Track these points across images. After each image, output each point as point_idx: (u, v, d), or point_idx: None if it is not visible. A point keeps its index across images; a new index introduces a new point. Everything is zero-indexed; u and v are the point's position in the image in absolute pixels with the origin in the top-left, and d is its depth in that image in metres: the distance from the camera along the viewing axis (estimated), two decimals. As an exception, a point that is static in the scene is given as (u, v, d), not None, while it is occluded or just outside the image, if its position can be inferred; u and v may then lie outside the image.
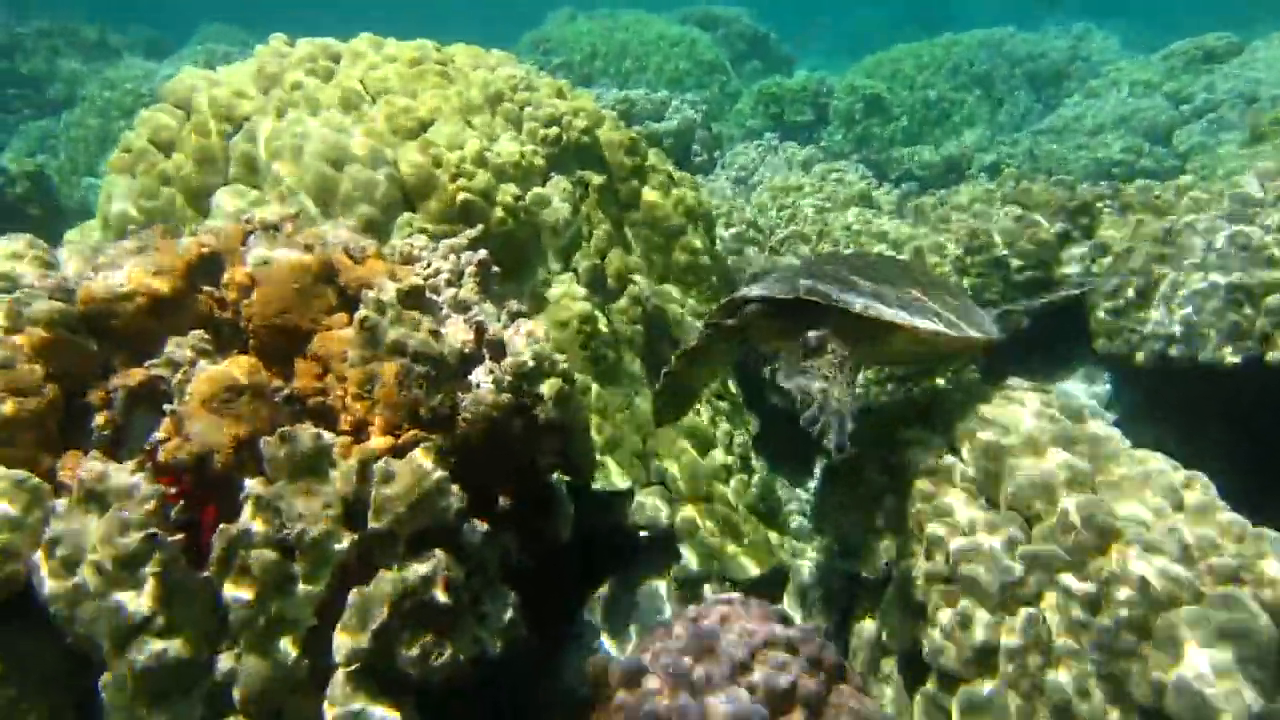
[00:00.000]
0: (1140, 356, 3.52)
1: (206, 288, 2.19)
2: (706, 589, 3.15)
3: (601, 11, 11.46)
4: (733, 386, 3.89)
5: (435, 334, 2.17)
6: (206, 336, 2.05)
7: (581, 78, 10.04)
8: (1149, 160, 7.21)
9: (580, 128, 3.59)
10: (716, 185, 5.77)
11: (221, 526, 1.84)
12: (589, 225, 3.53)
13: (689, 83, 9.85)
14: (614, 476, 3.09)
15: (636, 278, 3.60)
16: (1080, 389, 4.05)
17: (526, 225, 3.26)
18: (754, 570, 3.15)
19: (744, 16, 12.11)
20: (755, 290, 2.48)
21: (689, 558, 3.14)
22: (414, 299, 2.20)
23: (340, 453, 2.01)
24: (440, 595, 1.97)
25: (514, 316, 2.49)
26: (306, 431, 1.95)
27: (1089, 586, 2.03)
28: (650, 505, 3.17)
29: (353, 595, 1.91)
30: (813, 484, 3.96)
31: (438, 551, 2.01)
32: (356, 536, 1.95)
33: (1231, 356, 3.04)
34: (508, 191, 3.18)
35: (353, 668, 1.91)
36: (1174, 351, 3.34)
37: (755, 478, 3.48)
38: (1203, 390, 3.43)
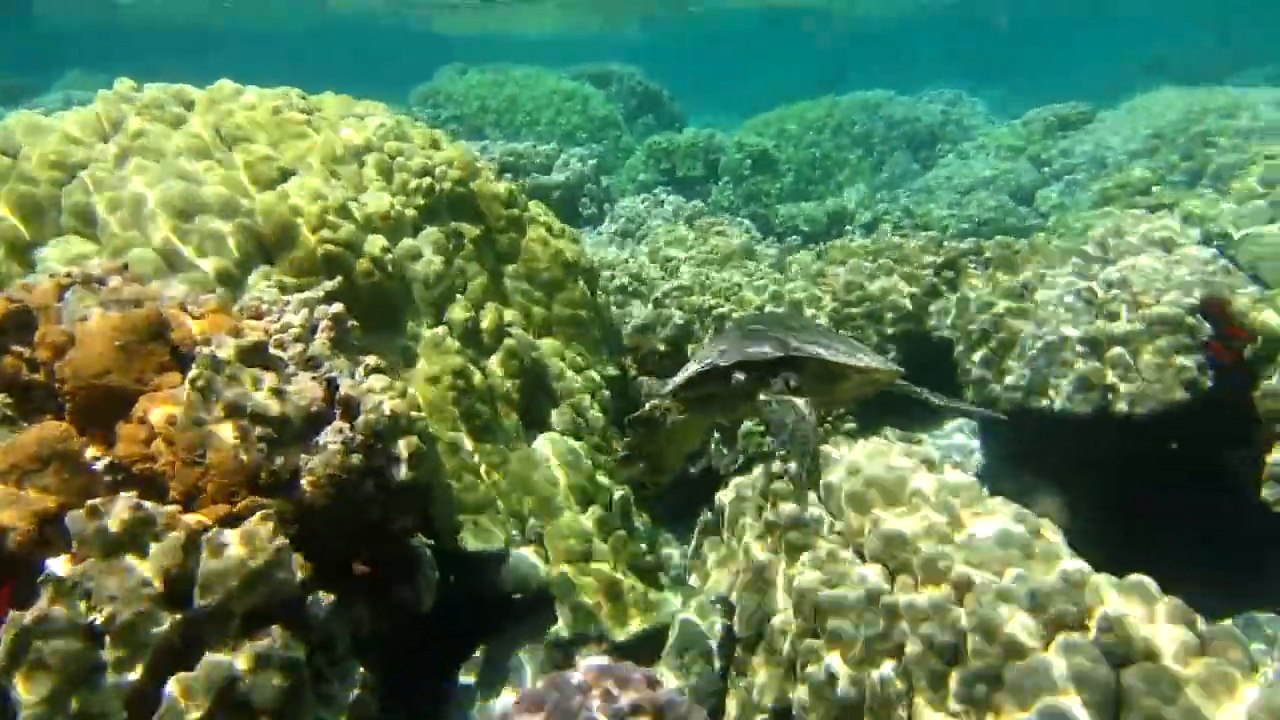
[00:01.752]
0: (1002, 407, 3.66)
1: (16, 347, 2.01)
2: (583, 651, 3.05)
3: (492, 66, 11.53)
4: (614, 440, 3.84)
5: (279, 393, 2.05)
6: (8, 400, 1.88)
7: (472, 131, 10.03)
8: (1014, 219, 7.65)
9: (454, 179, 3.54)
10: (602, 239, 5.80)
11: (12, 614, 1.66)
12: (463, 278, 3.46)
13: (582, 137, 9.96)
14: (486, 537, 2.98)
15: (514, 330, 3.54)
16: (950, 438, 4.18)
17: (396, 278, 3.17)
18: (632, 629, 3.08)
19: (637, 74, 12.40)
20: (739, 355, 2.68)
21: (565, 619, 3.05)
22: (256, 355, 2.08)
23: (165, 524, 1.85)
24: (275, 677, 1.83)
25: (372, 372, 2.39)
26: (122, 502, 1.80)
27: (947, 637, 2.04)
28: (525, 565, 3.07)
29: (171, 683, 1.74)
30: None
31: (275, 629, 1.87)
32: (180, 616, 1.79)
33: (1081, 406, 3.18)
34: (375, 243, 3.08)
35: (171, 763, 1.74)
36: (1031, 403, 3.49)
37: (636, 534, 3.42)
38: (1059, 438, 3.58)
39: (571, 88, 10.85)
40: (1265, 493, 2.60)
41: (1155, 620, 1.94)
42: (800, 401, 2.62)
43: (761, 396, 2.65)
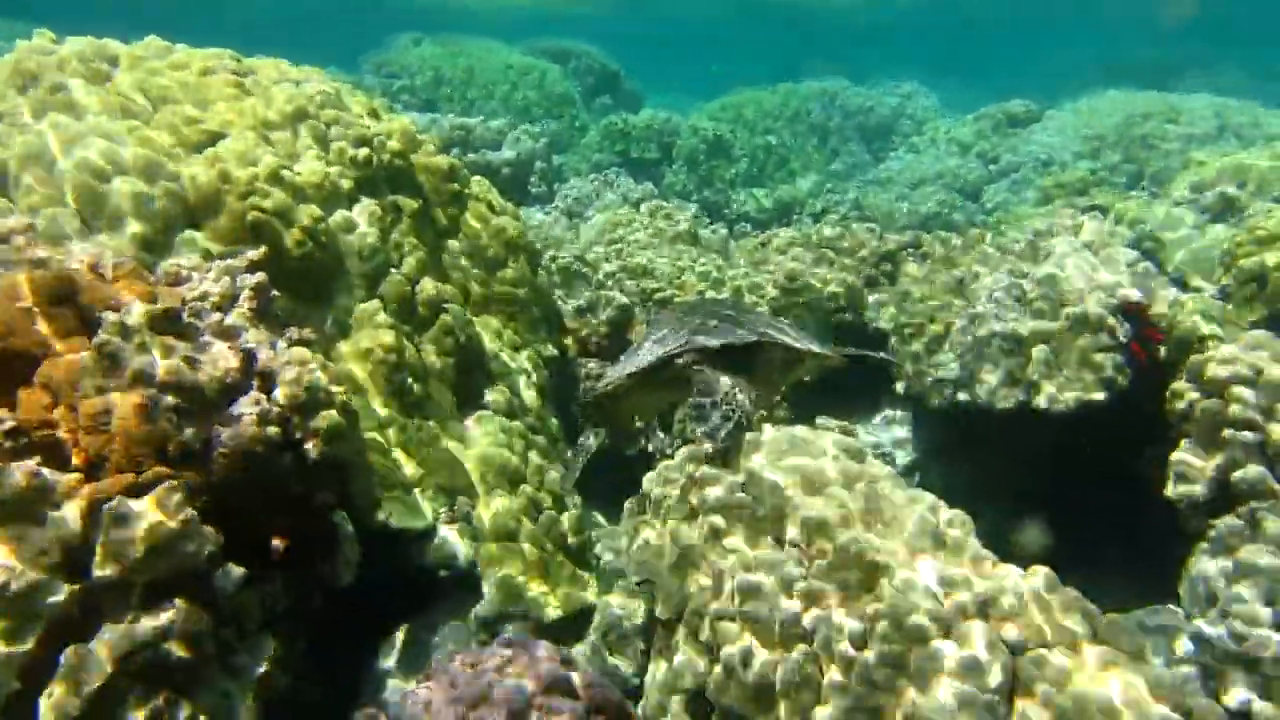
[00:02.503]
0: (932, 399, 3.73)
1: (-86, 306, 1.93)
2: (509, 629, 3.06)
3: (447, 37, 11.32)
4: (552, 420, 3.84)
5: (191, 361, 2.00)
6: (-99, 362, 1.81)
7: (425, 103, 9.85)
8: (960, 214, 7.78)
9: (394, 150, 3.48)
10: (548, 218, 5.76)
11: (-102, 580, 1.60)
12: (400, 252, 3.41)
13: (537, 113, 9.85)
14: (412, 514, 2.96)
15: (451, 307, 3.50)
16: (883, 429, 4.26)
17: (329, 249, 3.11)
18: (558, 609, 3.09)
19: (596, 53, 12.28)
20: (708, 342, 2.77)
21: (491, 596, 3.04)
22: (168, 323, 2.02)
23: (66, 492, 1.81)
24: (177, 650, 1.80)
25: (294, 344, 2.35)
26: (19, 468, 1.75)
27: (856, 623, 2.09)
28: (453, 542, 3.05)
29: (67, 654, 1.71)
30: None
31: (179, 601, 1.84)
32: (78, 587, 1.75)
33: (1004, 401, 3.26)
34: (307, 213, 3.02)
35: (66, 737, 1.70)
36: (961, 396, 3.56)
37: (566, 514, 3.42)
38: (986, 431, 3.67)
39: (528, 63, 10.71)
40: (1168, 490, 2.69)
41: (1052, 609, 2.01)
42: (728, 379, 2.69)
43: (696, 372, 2.73)
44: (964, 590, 2.05)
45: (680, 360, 2.81)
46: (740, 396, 2.67)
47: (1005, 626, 1.96)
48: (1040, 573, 2.08)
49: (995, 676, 1.87)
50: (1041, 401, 3.13)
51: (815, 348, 2.96)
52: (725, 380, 2.68)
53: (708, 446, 2.57)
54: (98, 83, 2.89)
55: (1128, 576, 2.93)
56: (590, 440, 3.19)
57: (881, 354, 3.42)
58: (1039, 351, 3.17)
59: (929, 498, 2.39)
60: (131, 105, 2.85)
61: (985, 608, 2.02)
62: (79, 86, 2.80)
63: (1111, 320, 3.10)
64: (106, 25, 3.89)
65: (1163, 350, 3.10)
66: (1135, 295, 3.17)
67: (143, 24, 4.24)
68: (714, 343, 2.74)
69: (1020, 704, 1.88)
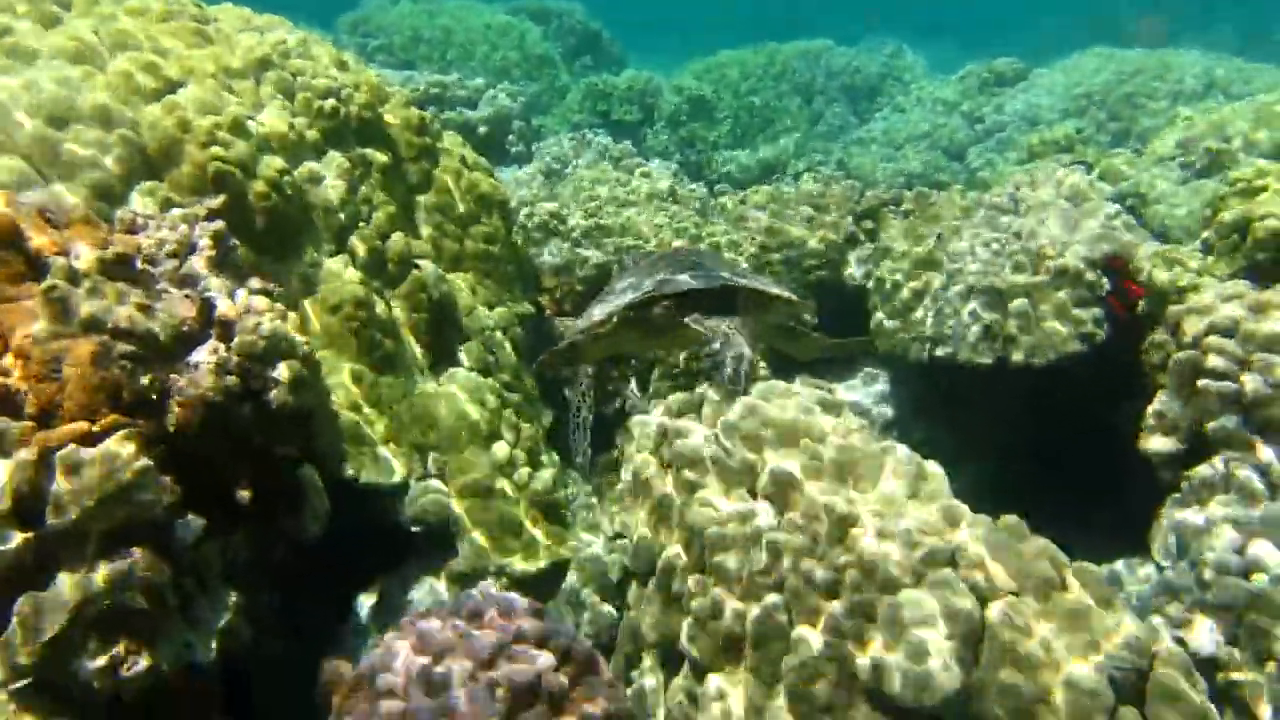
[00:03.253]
0: (911, 356, 3.71)
1: None
2: (482, 584, 3.04)
3: (425, -7, 11.09)
4: (527, 378, 3.80)
5: (145, 308, 1.95)
6: None
7: (402, 63, 9.65)
8: (945, 175, 7.73)
9: (361, 102, 3.40)
10: (524, 175, 5.68)
11: None
12: (369, 206, 3.34)
13: (517, 74, 9.68)
14: (384, 470, 2.93)
15: (423, 263, 3.44)
16: (862, 386, 4.24)
17: (294, 201, 3.04)
18: (532, 565, 3.08)
19: (578, 12, 12.06)
20: (683, 285, 2.76)
21: (466, 552, 3.03)
22: (120, 268, 1.97)
23: (18, 440, 1.76)
24: (136, 599, 1.77)
25: (255, 294, 2.29)
26: (-33, 416, 1.70)
27: (826, 573, 2.08)
28: (426, 499, 3.03)
29: (21, 601, 1.67)
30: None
31: (136, 549, 1.80)
32: (31, 535, 1.71)
33: (982, 357, 3.24)
34: (272, 165, 2.94)
35: (19, 685, 1.67)
36: (939, 352, 3.54)
37: (542, 472, 3.40)
38: (966, 387, 3.66)
39: (507, 22, 10.50)
40: (1142, 442, 2.69)
41: (1022, 558, 2.00)
42: (725, 323, 2.72)
43: (693, 320, 2.73)
44: (934, 539, 2.03)
45: (658, 309, 2.77)
46: (740, 339, 2.69)
47: (974, 574, 1.95)
48: (1011, 522, 2.07)
49: (963, 624, 1.87)
50: (1019, 356, 3.11)
51: (787, 293, 2.96)
52: (724, 325, 2.69)
53: (728, 378, 2.63)
54: (50, 25, 2.79)
55: (1109, 531, 2.94)
56: (584, 413, 3.15)
57: (859, 338, 3.35)
58: (1018, 305, 3.15)
59: (902, 449, 2.37)
60: (86, 50, 2.76)
61: (955, 556, 2.01)
62: (29, 30, 2.70)
63: (1091, 274, 3.08)
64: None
65: (1142, 304, 3.09)
66: (1115, 249, 3.15)
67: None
68: (689, 286, 2.69)
69: (987, 650, 1.87)
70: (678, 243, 4.30)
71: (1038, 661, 1.84)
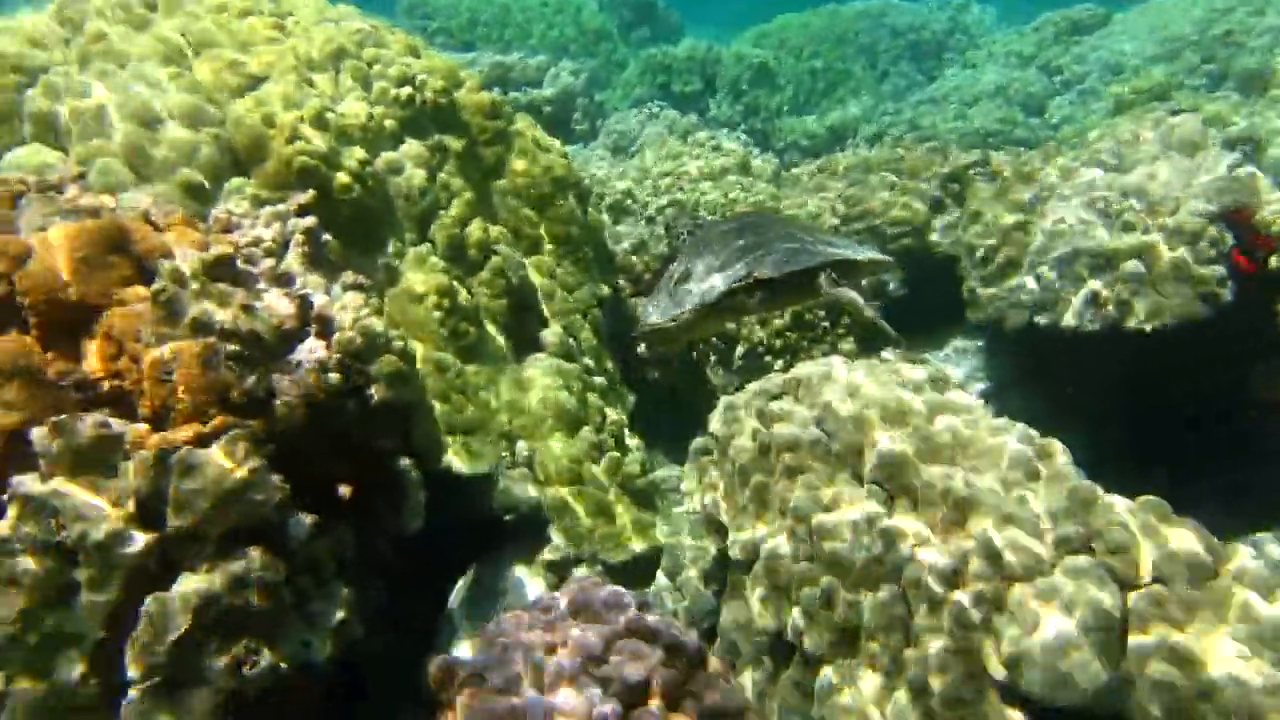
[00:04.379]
0: (1009, 325, 3.55)
1: (-29, 260, 1.89)
2: (576, 573, 3.02)
3: (482, -26, 11.02)
4: (609, 361, 3.75)
5: (248, 309, 1.94)
6: (-36, 316, 1.77)
7: (462, 45, 9.63)
8: (1024, 130, 7.40)
9: (437, 88, 3.36)
10: (594, 153, 5.59)
11: (-23, 534, 1.59)
12: (448, 193, 3.31)
13: (575, 50, 9.56)
14: (475, 459, 2.91)
15: (500, 248, 3.41)
16: (954, 358, 4.09)
17: (377, 192, 3.02)
18: (626, 552, 3.05)
19: (632, -18, 11.88)
20: (775, 268, 2.66)
21: (558, 541, 3.01)
22: (223, 269, 1.96)
23: (134, 443, 1.77)
24: (255, 598, 1.78)
25: (350, 289, 2.28)
26: (89, 419, 1.71)
27: (947, 561, 1.98)
28: (517, 488, 3.01)
29: (149, 602, 1.69)
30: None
31: (252, 550, 1.80)
32: (154, 537, 1.72)
33: (1092, 323, 3.07)
34: (353, 156, 2.93)
35: (150, 683, 1.69)
36: (1040, 319, 3.38)
37: (629, 456, 3.35)
38: (1069, 356, 3.49)
39: (562, -1, 10.41)
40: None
41: (1167, 542, 1.87)
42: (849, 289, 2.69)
43: (823, 285, 2.68)
44: (1066, 523, 1.92)
45: (758, 294, 2.69)
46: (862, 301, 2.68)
47: (1113, 560, 1.84)
48: (1151, 501, 1.94)
49: (1105, 615, 1.76)
50: (1134, 321, 2.94)
51: (875, 255, 2.88)
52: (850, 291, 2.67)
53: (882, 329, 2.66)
54: (139, 28, 2.81)
55: (1230, 508, 2.76)
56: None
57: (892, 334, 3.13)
58: (1130, 266, 2.96)
59: (1019, 427, 2.26)
60: (173, 52, 2.77)
61: (1088, 541, 1.90)
62: (121, 33, 2.72)
63: (1212, 229, 2.88)
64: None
65: (1273, 260, 2.87)
66: (1237, 200, 2.94)
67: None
68: (784, 270, 2.61)
69: (1134, 641, 1.76)
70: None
71: (1192, 655, 1.72)
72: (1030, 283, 3.39)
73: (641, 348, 3.91)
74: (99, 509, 1.66)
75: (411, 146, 3.20)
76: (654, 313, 2.93)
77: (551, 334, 3.47)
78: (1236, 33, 6.65)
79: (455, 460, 2.88)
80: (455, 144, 3.41)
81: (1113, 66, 7.46)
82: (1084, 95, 7.41)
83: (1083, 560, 1.85)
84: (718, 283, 2.74)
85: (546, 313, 3.54)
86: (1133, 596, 1.81)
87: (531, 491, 3.02)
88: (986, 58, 9.05)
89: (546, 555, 3.01)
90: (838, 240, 2.93)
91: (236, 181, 2.71)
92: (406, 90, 3.24)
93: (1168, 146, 3.31)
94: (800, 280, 2.64)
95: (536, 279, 3.56)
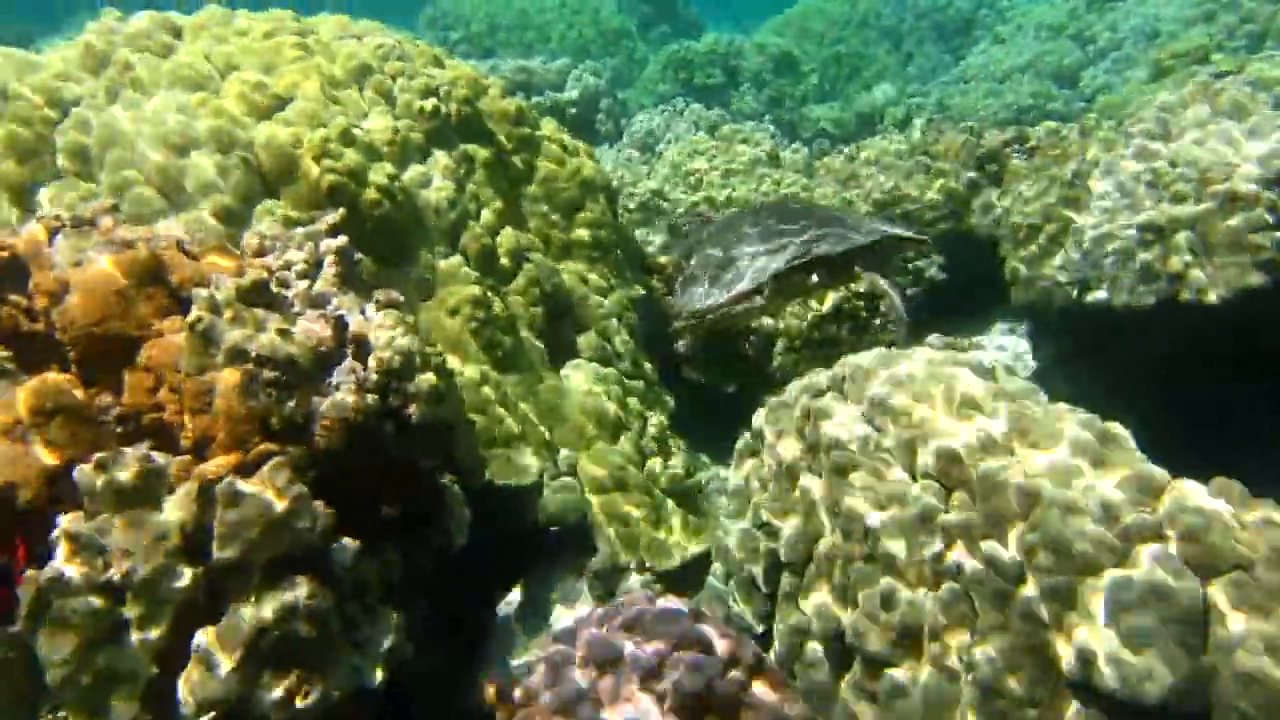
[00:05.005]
0: (1055, 304, 3.45)
1: (12, 296, 1.90)
2: (627, 581, 2.99)
3: (498, -22, 11.03)
4: (646, 364, 3.71)
5: (284, 333, 1.93)
6: (6, 354, 1.78)
7: (483, 51, 9.65)
8: (1058, 103, 7.22)
9: (461, 98, 3.34)
10: (620, 154, 5.55)
11: (29, 574, 1.59)
12: (477, 203, 3.29)
13: (595, 50, 9.54)
14: (517, 471, 2.89)
15: (533, 256, 3.38)
16: (999, 342, 3.99)
17: (406, 207, 3.01)
18: (675, 558, 3.00)
19: (649, -21, 11.82)
20: (848, 242, 2.71)
21: (605, 549, 2.97)
22: (257, 295, 1.95)
23: (177, 475, 1.76)
24: (304, 627, 1.76)
25: (383, 307, 2.26)
26: (132, 454, 1.71)
27: (1010, 555, 1.91)
28: (560, 498, 2.98)
29: (199, 637, 1.68)
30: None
31: (299, 579, 1.79)
32: (200, 570, 1.71)
33: (1144, 299, 2.96)
34: (381, 171, 2.92)
35: (207, 718, 1.68)
36: (1089, 298, 3.27)
37: (673, 459, 3.31)
38: (1121, 334, 3.37)
39: (581, -1, 10.39)
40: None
41: (1245, 526, 1.78)
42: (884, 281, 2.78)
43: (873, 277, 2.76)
44: (1135, 511, 1.84)
45: (818, 273, 2.76)
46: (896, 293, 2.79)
47: (1189, 548, 1.75)
48: (1224, 484, 1.85)
49: (1184, 605, 1.67)
50: (1189, 294, 2.82)
51: (902, 231, 2.92)
52: (882, 281, 2.75)
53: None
54: (165, 56, 2.82)
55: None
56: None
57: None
58: (1183, 238, 2.85)
59: (1080, 413, 2.17)
60: (199, 77, 2.78)
61: (1160, 528, 1.81)
62: (147, 62, 2.73)
63: (1269, 194, 2.75)
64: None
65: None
66: (1292, 166, 2.81)
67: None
68: (854, 243, 2.71)
69: (1218, 633, 1.67)
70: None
71: None
72: (1077, 260, 3.28)
73: (681, 343, 3.86)
74: (146, 545, 1.65)
75: (439, 158, 3.18)
76: (699, 299, 2.90)
77: (588, 340, 3.44)
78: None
79: (498, 473, 2.86)
80: (482, 153, 3.38)
81: (1148, 32, 7.24)
82: (1119, 64, 7.20)
83: (1155, 549, 1.76)
84: (774, 263, 2.72)
85: (582, 318, 3.50)
86: (1213, 585, 1.72)
87: (576, 500, 2.99)
88: (1015, 31, 8.85)
89: (595, 565, 2.97)
90: (878, 221, 2.92)
91: (268, 204, 2.71)
92: (431, 102, 3.22)
93: (1215, 111, 3.18)
94: (854, 258, 2.63)
95: (570, 284, 3.53)
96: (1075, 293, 3.33)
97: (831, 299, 3.64)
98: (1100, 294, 3.20)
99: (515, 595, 2.96)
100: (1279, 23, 6.03)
